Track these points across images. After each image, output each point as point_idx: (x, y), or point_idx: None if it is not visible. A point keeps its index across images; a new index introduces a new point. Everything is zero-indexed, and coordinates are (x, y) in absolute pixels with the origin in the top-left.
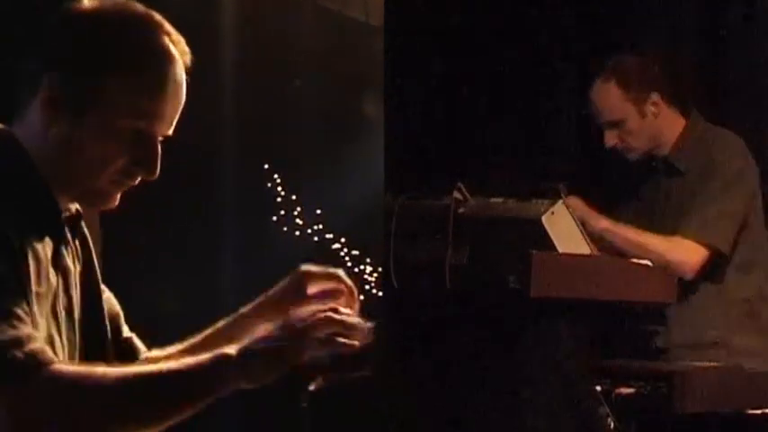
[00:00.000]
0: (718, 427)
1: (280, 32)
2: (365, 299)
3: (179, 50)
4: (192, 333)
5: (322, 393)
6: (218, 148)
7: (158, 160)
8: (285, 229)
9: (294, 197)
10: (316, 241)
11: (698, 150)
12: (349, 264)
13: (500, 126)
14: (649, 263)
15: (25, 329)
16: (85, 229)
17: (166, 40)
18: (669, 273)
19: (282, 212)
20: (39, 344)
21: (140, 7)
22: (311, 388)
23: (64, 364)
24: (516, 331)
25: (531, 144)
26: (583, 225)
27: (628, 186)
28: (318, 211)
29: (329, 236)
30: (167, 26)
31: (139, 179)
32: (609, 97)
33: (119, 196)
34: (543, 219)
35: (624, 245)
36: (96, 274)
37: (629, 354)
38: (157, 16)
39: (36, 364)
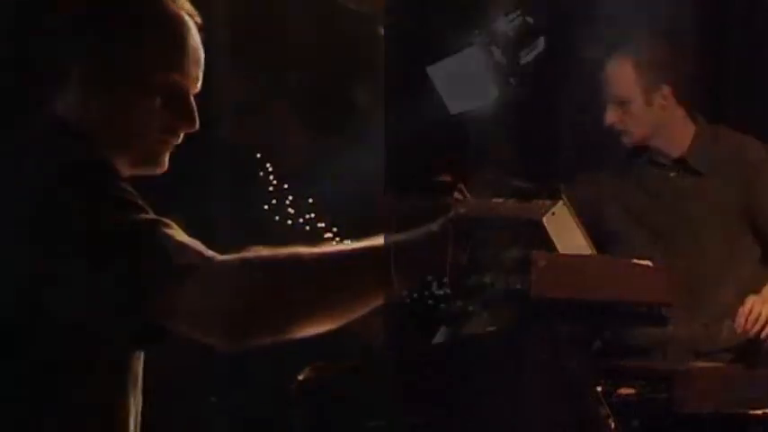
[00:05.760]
0: (719, 427)
1: (276, 20)
2: None
3: (186, 11)
4: None
5: (311, 383)
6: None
7: (195, 111)
8: (277, 218)
9: (286, 186)
10: (307, 230)
11: (717, 150)
12: None
13: (500, 125)
14: (650, 263)
15: (179, 236)
16: None
17: (173, 5)
18: None
19: (274, 201)
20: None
21: None
22: (300, 377)
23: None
24: (516, 331)
25: (530, 144)
26: None
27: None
28: (310, 200)
29: (321, 225)
30: None
31: (182, 136)
32: (622, 75)
33: (167, 159)
34: (543, 219)
35: None
36: None
37: (630, 354)
38: None
39: (203, 260)
